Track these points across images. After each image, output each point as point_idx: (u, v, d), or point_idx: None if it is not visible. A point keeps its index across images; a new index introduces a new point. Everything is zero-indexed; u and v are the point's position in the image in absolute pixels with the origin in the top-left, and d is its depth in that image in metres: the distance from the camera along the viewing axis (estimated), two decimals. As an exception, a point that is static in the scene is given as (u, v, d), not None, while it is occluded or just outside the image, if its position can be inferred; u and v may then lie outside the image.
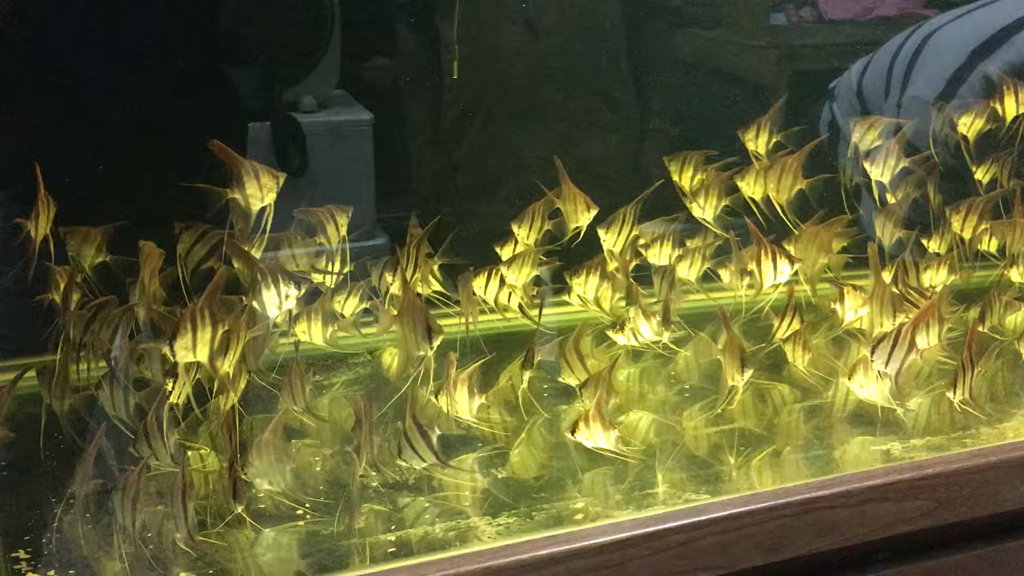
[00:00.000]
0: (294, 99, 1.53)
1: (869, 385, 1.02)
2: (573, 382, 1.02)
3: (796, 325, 1.07)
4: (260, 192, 0.95)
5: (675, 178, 1.21)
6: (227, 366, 0.88)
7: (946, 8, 1.90)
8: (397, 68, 1.65)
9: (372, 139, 1.54)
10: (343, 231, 1.13)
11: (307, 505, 0.85)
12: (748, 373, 1.00)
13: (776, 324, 1.08)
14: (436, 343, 0.95)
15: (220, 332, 0.85)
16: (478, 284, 1.11)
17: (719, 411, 1.02)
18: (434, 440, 0.87)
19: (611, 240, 1.14)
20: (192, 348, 0.84)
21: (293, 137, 1.50)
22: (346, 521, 0.84)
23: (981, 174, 1.23)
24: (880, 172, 1.21)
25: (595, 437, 0.92)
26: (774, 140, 1.22)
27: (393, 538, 0.82)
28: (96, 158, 1.24)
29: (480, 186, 1.68)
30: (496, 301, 1.12)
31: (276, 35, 1.45)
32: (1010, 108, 1.20)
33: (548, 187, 1.15)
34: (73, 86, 1.24)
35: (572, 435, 0.92)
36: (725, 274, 1.19)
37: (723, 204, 1.19)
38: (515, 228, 1.17)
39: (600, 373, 0.96)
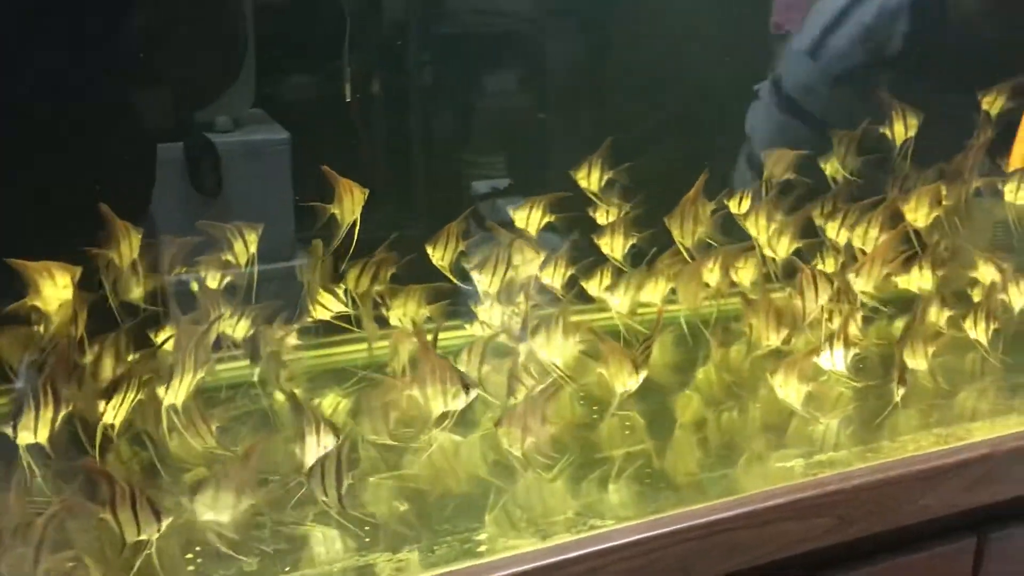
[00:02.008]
0: (208, 118, 1.50)
1: (789, 387, 1.04)
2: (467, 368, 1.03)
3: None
4: (353, 206, 1.10)
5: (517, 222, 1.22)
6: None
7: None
8: (315, 86, 1.62)
9: (289, 158, 1.52)
10: (252, 248, 1.12)
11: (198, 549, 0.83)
12: (643, 374, 1.01)
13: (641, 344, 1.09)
14: (472, 396, 0.96)
15: (63, 412, 0.84)
16: (352, 277, 1.12)
17: (612, 413, 1.03)
18: (345, 486, 0.85)
19: (438, 256, 1.15)
20: (33, 430, 0.82)
21: (207, 157, 1.47)
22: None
23: (820, 214, 1.26)
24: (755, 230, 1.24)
25: (512, 439, 0.92)
26: (606, 177, 1.24)
27: (288, 579, 0.80)
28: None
29: (401, 203, 1.66)
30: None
31: (188, 54, 1.41)
32: (899, 132, 1.24)
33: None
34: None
35: (496, 427, 0.93)
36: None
37: (630, 243, 1.21)
38: (429, 250, 1.17)
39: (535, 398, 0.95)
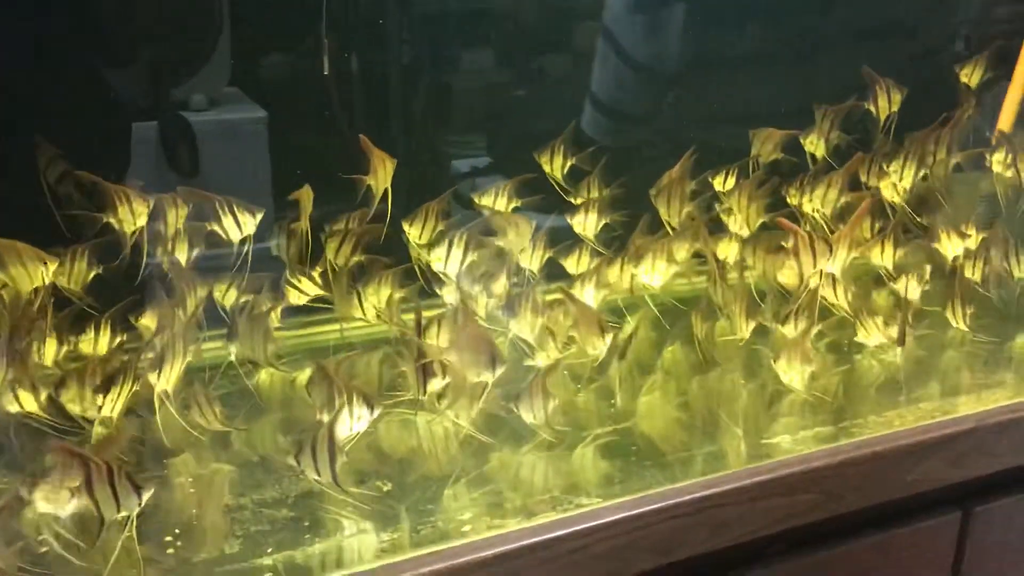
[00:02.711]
0: (183, 97, 1.47)
1: (792, 371, 1.03)
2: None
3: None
4: (386, 177, 1.11)
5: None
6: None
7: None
8: (292, 64, 1.60)
9: (267, 137, 1.49)
10: (247, 229, 1.09)
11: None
12: (609, 336, 1.01)
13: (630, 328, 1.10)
14: (499, 372, 0.95)
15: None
16: (331, 247, 1.12)
17: (585, 378, 1.04)
18: (339, 464, 0.83)
19: (415, 233, 1.14)
20: None
21: (182, 137, 1.45)
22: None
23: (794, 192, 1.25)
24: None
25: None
26: (569, 163, 1.24)
27: (269, 561, 0.78)
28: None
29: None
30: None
31: (162, 31, 1.39)
32: (883, 107, 1.24)
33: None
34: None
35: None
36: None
37: (604, 222, 1.20)
38: (406, 226, 1.15)
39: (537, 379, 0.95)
